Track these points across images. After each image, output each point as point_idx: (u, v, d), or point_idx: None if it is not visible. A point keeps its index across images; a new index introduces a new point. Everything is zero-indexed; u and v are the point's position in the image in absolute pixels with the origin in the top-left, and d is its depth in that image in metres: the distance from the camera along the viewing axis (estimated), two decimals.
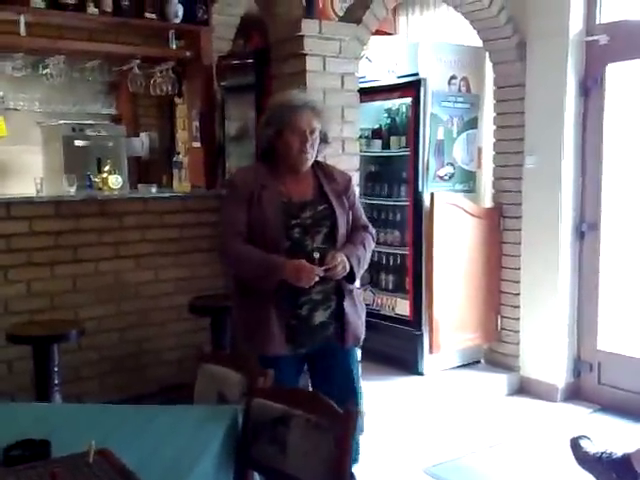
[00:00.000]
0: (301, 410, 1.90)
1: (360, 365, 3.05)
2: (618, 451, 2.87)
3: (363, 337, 2.73)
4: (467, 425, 4.02)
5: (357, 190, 2.92)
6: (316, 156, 2.64)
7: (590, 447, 2.98)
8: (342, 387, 2.64)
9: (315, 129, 2.55)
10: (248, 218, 2.53)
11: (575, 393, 4.38)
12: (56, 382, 3.23)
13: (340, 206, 2.61)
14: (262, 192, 2.53)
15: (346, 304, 2.61)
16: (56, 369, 3.23)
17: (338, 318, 2.61)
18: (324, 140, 2.64)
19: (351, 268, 2.54)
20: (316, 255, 2.49)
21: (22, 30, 3.91)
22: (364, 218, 2.78)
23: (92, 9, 4.01)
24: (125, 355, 4.07)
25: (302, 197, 2.58)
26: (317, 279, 2.45)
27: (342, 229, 2.60)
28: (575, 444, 3.03)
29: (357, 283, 2.72)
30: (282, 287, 2.47)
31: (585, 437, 3.06)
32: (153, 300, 4.13)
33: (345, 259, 2.52)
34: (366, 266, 2.70)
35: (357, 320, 2.66)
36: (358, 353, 3.82)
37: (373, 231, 2.78)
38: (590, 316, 4.33)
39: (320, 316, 2.58)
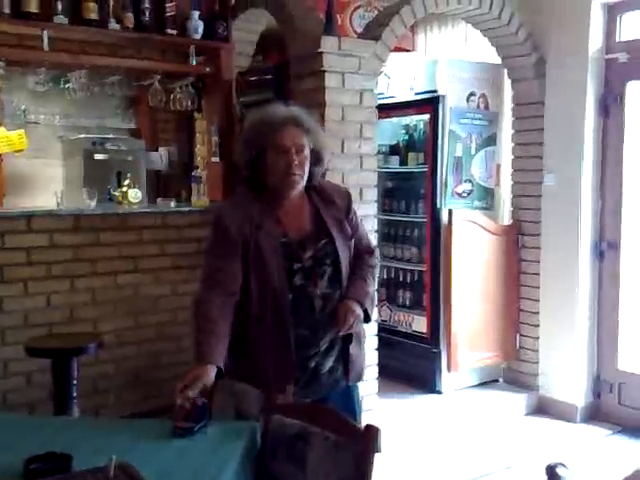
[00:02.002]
0: (320, 427, 1.89)
1: (363, 401, 2.81)
2: None
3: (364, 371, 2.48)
4: (485, 445, 3.97)
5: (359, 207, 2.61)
6: (310, 179, 2.31)
7: (569, 476, 2.86)
8: None
9: (303, 146, 2.22)
10: (246, 271, 2.18)
11: (595, 414, 4.33)
12: (74, 395, 3.24)
13: (342, 237, 2.31)
14: (258, 234, 2.18)
15: (352, 346, 2.34)
16: (74, 382, 3.24)
17: (344, 360, 2.34)
18: (318, 161, 2.31)
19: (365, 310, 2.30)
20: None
21: (45, 45, 3.96)
22: (368, 238, 2.52)
23: (114, 25, 4.05)
24: (142, 368, 4.07)
25: (300, 232, 2.26)
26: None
27: (345, 265, 2.30)
28: (552, 473, 2.91)
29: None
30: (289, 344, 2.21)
31: (562, 465, 2.95)
32: (171, 314, 4.14)
33: (358, 310, 2.26)
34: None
35: (360, 357, 2.42)
36: (375, 371, 3.84)
37: (377, 252, 2.52)
38: (610, 336, 4.28)
39: (328, 363, 2.31)
